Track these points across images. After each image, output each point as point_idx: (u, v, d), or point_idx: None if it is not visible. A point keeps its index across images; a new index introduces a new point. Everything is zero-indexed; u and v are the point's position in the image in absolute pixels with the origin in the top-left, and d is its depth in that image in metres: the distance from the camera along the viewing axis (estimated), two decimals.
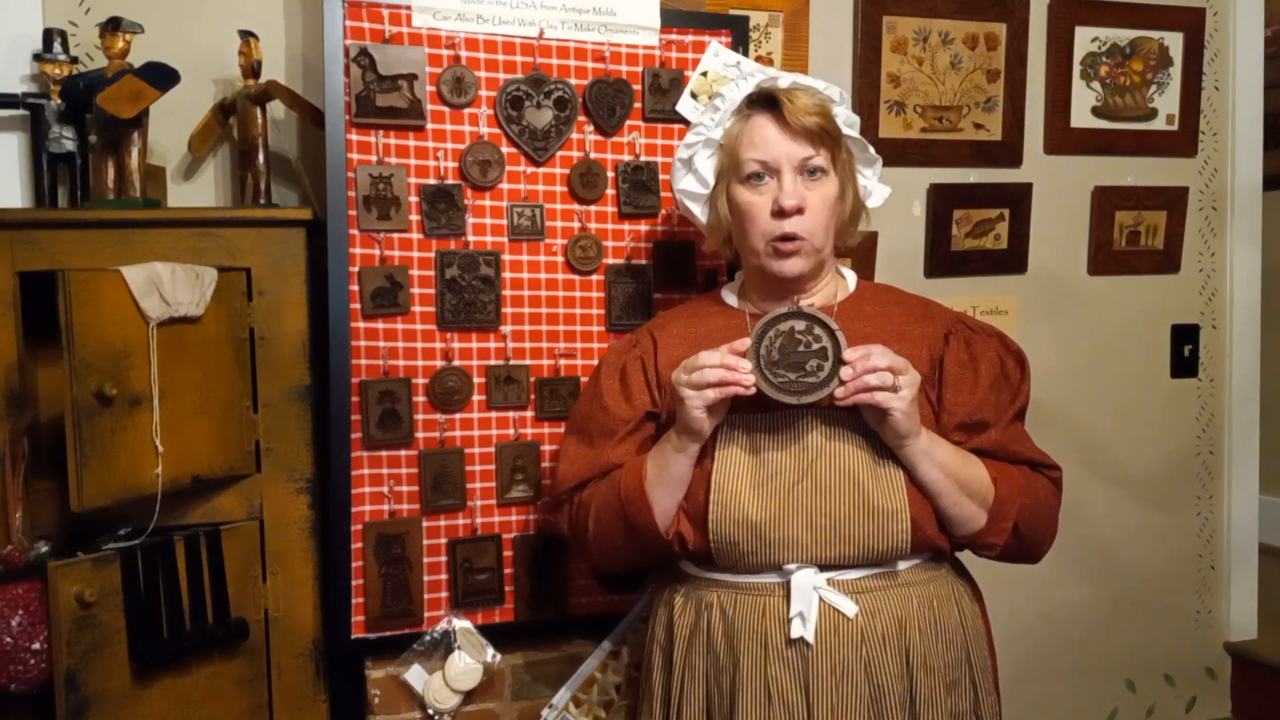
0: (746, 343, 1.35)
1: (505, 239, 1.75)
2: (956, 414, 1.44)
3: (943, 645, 1.40)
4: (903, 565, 1.41)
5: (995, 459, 1.44)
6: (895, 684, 1.36)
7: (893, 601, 1.39)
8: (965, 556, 1.51)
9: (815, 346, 1.33)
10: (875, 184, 1.57)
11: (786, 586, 1.38)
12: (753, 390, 1.33)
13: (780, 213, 1.42)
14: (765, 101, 1.46)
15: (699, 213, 1.56)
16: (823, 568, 1.38)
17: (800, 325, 1.34)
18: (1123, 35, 2.47)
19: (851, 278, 1.58)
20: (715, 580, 1.44)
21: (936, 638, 1.40)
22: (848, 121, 1.50)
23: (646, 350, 1.55)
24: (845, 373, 1.31)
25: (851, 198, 1.50)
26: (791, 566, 1.38)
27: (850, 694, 1.35)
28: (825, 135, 1.43)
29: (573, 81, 1.76)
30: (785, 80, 1.48)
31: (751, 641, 1.39)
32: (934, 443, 1.38)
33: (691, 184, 1.54)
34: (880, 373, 1.31)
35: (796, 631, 1.36)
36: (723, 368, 1.34)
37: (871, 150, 1.54)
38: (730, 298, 1.59)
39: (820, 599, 1.37)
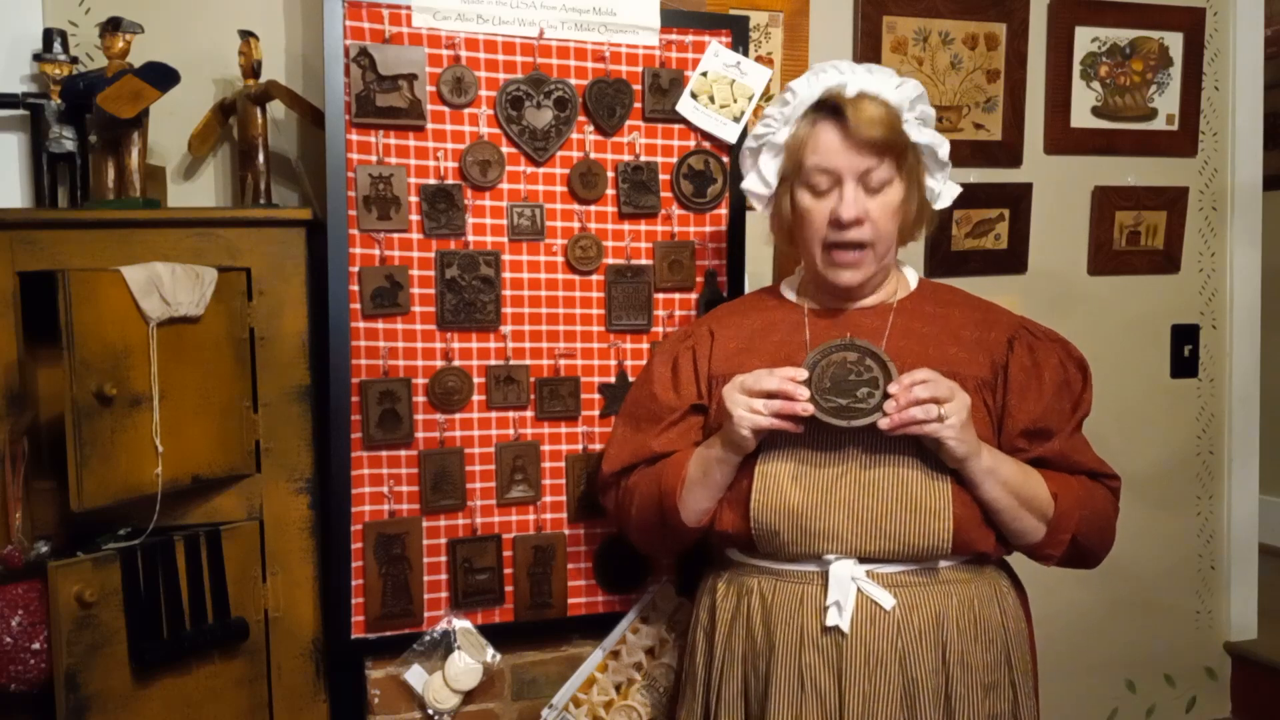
0: (803, 372, 1.36)
1: (505, 239, 1.75)
2: (1021, 421, 1.44)
3: (982, 645, 1.40)
4: (944, 564, 1.41)
5: (1056, 468, 1.44)
6: (930, 679, 1.37)
7: (931, 598, 1.39)
8: (1014, 559, 1.51)
9: (866, 376, 1.35)
10: (945, 185, 1.52)
11: (825, 576, 1.39)
12: (801, 429, 1.36)
13: (838, 223, 1.41)
14: (832, 107, 1.43)
15: (761, 209, 1.57)
16: (862, 560, 1.39)
17: (852, 356, 1.36)
18: (1123, 35, 2.47)
19: (913, 276, 1.58)
20: (757, 566, 1.46)
21: (975, 637, 1.40)
22: (922, 118, 1.47)
23: (701, 342, 1.57)
24: (889, 405, 1.33)
25: (917, 201, 1.47)
26: (831, 557, 1.39)
27: (883, 685, 1.36)
28: (890, 146, 1.40)
29: (573, 81, 1.76)
30: (853, 86, 1.42)
31: (788, 628, 1.40)
32: (996, 460, 1.38)
33: (755, 183, 1.53)
34: (925, 404, 1.31)
35: (832, 620, 1.37)
36: (781, 395, 1.35)
37: (943, 153, 1.49)
38: (789, 292, 1.60)
39: (858, 590, 1.38)
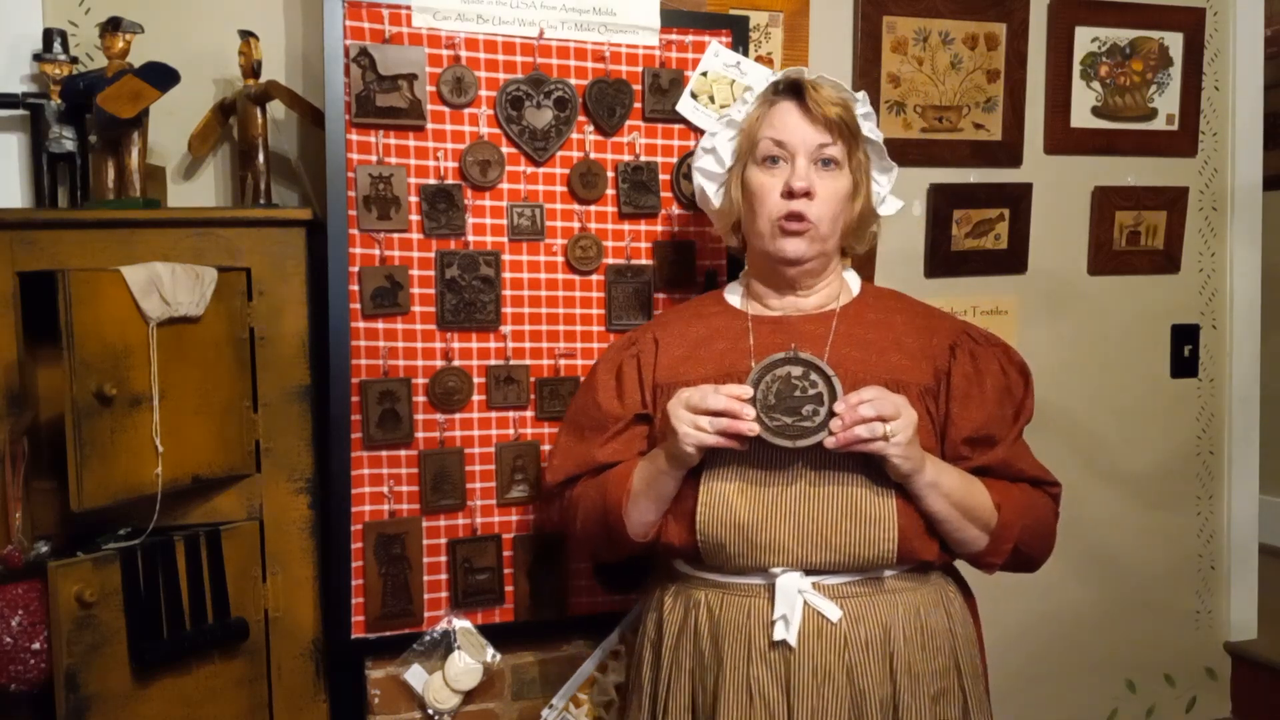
0: (748, 390, 1.34)
1: (505, 239, 1.75)
2: (964, 429, 1.44)
3: (929, 652, 1.40)
4: (888, 573, 1.40)
5: (998, 475, 1.44)
6: (878, 689, 1.36)
7: (878, 608, 1.38)
8: (960, 563, 1.51)
9: (811, 391, 1.33)
10: (889, 193, 1.58)
11: (772, 589, 1.38)
12: (746, 446, 1.34)
13: (790, 194, 1.44)
14: (790, 90, 1.49)
15: (713, 195, 1.58)
16: (808, 572, 1.38)
17: (797, 370, 1.34)
18: (1123, 35, 2.47)
19: (855, 282, 1.58)
20: (704, 579, 1.44)
21: (923, 645, 1.39)
22: (867, 116, 1.52)
23: (645, 350, 1.55)
24: (835, 424, 1.32)
25: (863, 199, 1.51)
26: (777, 570, 1.37)
27: (832, 698, 1.35)
28: (844, 127, 1.46)
29: (573, 81, 1.76)
30: (811, 73, 1.50)
31: (735, 641, 1.39)
32: (940, 473, 1.38)
33: (710, 163, 1.57)
34: (870, 423, 1.30)
35: (779, 634, 1.36)
36: (726, 414, 1.33)
37: (888, 157, 1.55)
38: (733, 298, 1.59)
39: (804, 603, 1.36)
